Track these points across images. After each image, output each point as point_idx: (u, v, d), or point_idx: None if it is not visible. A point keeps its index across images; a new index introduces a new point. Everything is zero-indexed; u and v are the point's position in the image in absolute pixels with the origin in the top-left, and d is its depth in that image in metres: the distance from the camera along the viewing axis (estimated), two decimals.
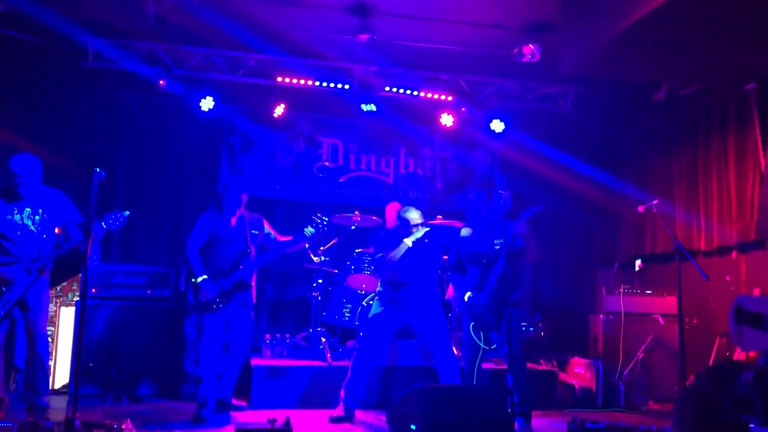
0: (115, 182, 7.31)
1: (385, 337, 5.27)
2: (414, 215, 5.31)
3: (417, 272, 5.28)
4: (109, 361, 5.76)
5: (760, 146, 5.97)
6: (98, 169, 4.30)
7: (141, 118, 7.51)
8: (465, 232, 5.29)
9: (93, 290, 5.93)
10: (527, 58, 6.44)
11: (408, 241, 5.18)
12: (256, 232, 5.29)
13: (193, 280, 5.05)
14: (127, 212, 4.65)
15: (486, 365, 5.71)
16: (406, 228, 5.26)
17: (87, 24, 6.27)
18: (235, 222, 5.25)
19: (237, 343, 5.17)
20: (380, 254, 5.31)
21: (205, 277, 5.01)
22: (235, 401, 5.42)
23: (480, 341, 4.94)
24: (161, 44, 6.86)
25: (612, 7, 5.37)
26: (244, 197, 5.32)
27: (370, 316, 5.34)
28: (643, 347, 6.51)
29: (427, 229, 5.23)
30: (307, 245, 6.63)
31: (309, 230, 5.25)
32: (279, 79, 7.16)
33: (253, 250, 5.26)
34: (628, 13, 5.13)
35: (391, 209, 7.42)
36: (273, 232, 5.50)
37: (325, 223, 5.26)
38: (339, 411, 5.17)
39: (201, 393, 5.03)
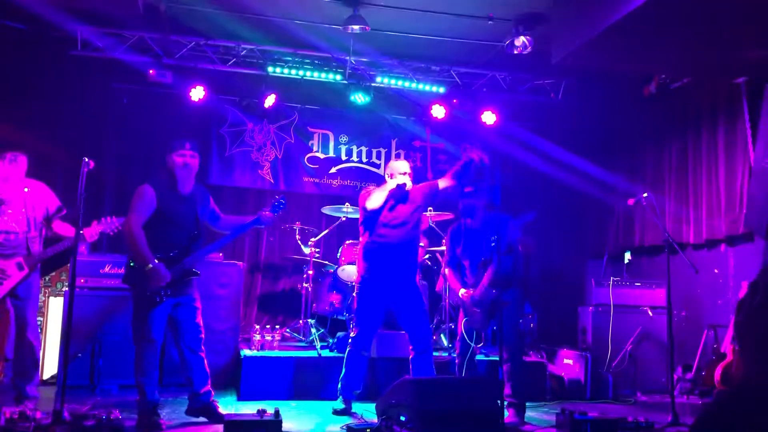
0: (104, 171, 7.26)
1: (376, 327, 5.23)
2: (399, 165, 5.27)
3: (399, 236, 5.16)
4: (98, 352, 5.73)
5: (749, 140, 6.00)
6: (86, 159, 4.27)
7: (130, 107, 7.47)
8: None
9: (81, 281, 5.88)
10: (519, 50, 6.44)
11: (391, 182, 5.11)
12: (204, 209, 4.61)
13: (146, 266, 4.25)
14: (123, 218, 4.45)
15: (479, 358, 5.74)
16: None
17: (76, 12, 6.23)
18: (183, 201, 4.51)
19: (189, 332, 4.49)
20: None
21: (156, 263, 4.25)
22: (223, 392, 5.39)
23: (471, 341, 4.94)
24: (151, 33, 6.82)
25: (603, 0, 5.37)
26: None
27: (360, 305, 5.20)
28: (631, 339, 6.55)
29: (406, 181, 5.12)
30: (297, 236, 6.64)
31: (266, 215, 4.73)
32: (270, 69, 7.13)
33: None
34: (619, 6, 5.12)
35: None
36: (216, 210, 4.82)
37: (282, 203, 4.83)
38: (339, 403, 5.10)
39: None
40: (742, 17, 4.99)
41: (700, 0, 4.80)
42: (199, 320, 4.54)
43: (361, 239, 5.26)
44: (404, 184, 5.09)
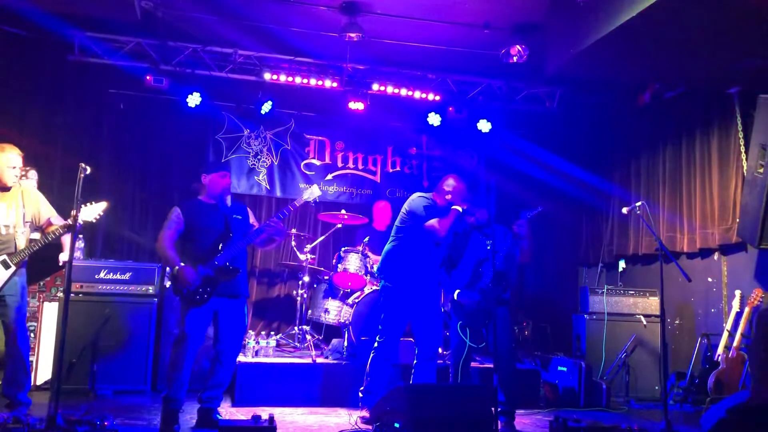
0: (101, 176, 7.25)
1: (401, 334, 5.13)
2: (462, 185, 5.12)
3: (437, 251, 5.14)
4: (92, 357, 5.73)
5: (742, 150, 6.05)
6: (83, 165, 4.28)
7: (127, 112, 7.49)
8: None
9: (77, 286, 5.89)
10: (514, 59, 6.47)
11: (458, 208, 5.00)
12: (239, 217, 4.81)
13: (170, 269, 4.66)
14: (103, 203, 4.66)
15: (473, 365, 5.75)
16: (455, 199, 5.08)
17: (73, 18, 6.24)
18: (213, 210, 4.74)
19: (227, 341, 4.66)
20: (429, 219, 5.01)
21: (183, 263, 4.51)
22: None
23: (467, 339, 4.94)
24: (148, 39, 6.84)
25: (598, 10, 5.41)
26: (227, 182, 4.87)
27: (388, 312, 5.08)
28: (625, 347, 6.58)
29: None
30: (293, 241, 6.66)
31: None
32: (267, 76, 7.15)
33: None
34: (614, 16, 5.17)
35: (378, 208, 7.46)
36: (256, 224, 5.03)
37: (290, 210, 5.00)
38: (365, 413, 4.97)
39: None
40: (734, 28, 5.04)
41: (692, 11, 4.85)
42: (237, 327, 4.72)
43: (392, 245, 5.17)
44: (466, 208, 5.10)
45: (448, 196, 5.09)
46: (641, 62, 5.97)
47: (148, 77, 6.93)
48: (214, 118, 7.79)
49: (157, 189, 7.61)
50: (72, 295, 5.76)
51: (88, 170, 4.29)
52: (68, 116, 7.19)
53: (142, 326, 5.99)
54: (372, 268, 6.49)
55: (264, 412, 4.20)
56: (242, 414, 5.08)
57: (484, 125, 7.76)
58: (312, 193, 4.96)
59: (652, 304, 6.81)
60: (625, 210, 5.41)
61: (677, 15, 4.89)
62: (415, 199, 5.16)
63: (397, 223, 5.20)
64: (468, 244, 5.13)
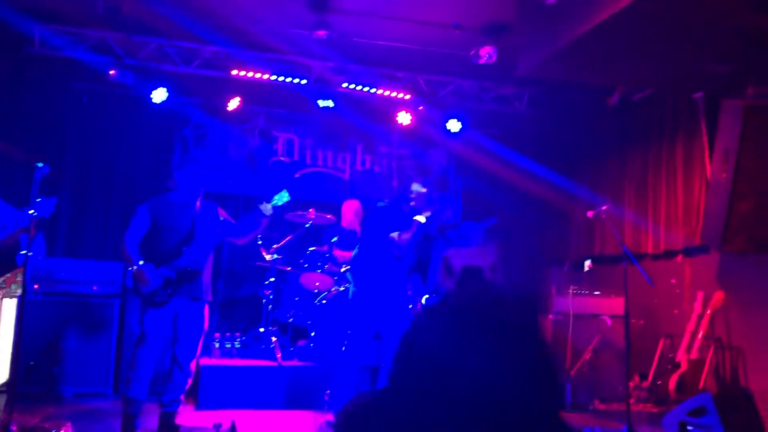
0: (64, 173, 7.11)
1: (369, 337, 5.10)
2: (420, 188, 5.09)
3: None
4: (52, 360, 5.60)
5: (706, 154, 6.12)
6: (41, 164, 4.17)
7: (91, 107, 7.32)
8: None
9: (36, 286, 5.75)
10: (484, 60, 6.46)
11: (421, 218, 4.95)
12: (207, 218, 4.72)
13: (131, 268, 4.48)
14: (55, 198, 4.52)
15: None
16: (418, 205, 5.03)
17: (33, 11, 6.07)
18: (180, 209, 4.66)
19: (185, 344, 4.58)
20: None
21: (143, 262, 4.44)
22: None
23: None
24: (112, 33, 6.67)
25: (568, 14, 5.42)
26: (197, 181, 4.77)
27: (354, 316, 5.06)
28: (590, 347, 6.64)
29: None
30: (259, 241, 6.57)
31: (267, 206, 4.77)
32: (234, 72, 7.04)
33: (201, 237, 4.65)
34: (583, 20, 5.18)
35: (347, 207, 7.39)
36: (229, 220, 4.99)
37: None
38: (332, 416, 4.92)
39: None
40: (699, 34, 5.10)
41: (660, 16, 4.88)
42: (195, 331, 4.63)
43: (357, 251, 5.18)
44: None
45: (413, 203, 5.08)
46: (609, 66, 6.01)
47: (111, 71, 6.78)
48: (180, 113, 7.65)
49: (121, 185, 7.45)
50: (32, 294, 5.66)
51: (47, 170, 4.19)
52: (29, 110, 6.99)
53: (105, 326, 5.88)
54: (340, 268, 6.44)
55: (226, 419, 4.15)
56: (205, 418, 5.01)
57: (454, 125, 7.76)
58: (282, 197, 4.86)
59: (616, 304, 6.87)
60: (590, 214, 5.44)
61: (644, 20, 4.92)
62: (378, 209, 5.16)
63: (361, 229, 5.20)
64: (433, 249, 5.12)
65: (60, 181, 6.96)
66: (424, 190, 5.11)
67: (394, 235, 4.94)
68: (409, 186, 5.15)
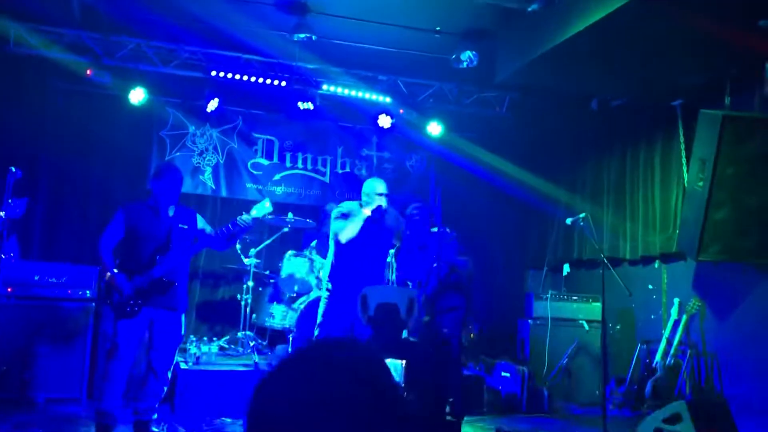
0: (39, 173, 6.99)
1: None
2: (378, 185, 5.18)
3: (371, 254, 5.16)
4: (24, 365, 5.49)
5: (684, 161, 6.18)
6: (14, 169, 4.11)
7: (67, 107, 7.19)
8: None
9: (9, 289, 5.64)
10: (464, 65, 6.46)
11: (366, 210, 5.03)
12: (185, 227, 4.59)
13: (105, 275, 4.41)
14: (26, 198, 4.44)
15: None
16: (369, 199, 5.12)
17: (9, 11, 5.96)
18: (156, 217, 4.54)
19: (161, 352, 4.48)
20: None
21: (116, 271, 4.36)
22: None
23: None
24: (89, 33, 6.58)
25: (547, 22, 5.45)
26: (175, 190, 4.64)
27: (326, 320, 5.15)
28: (567, 352, 6.68)
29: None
30: (238, 245, 6.52)
31: (245, 217, 4.56)
32: (213, 73, 6.96)
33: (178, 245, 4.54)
34: (561, 29, 5.21)
35: (327, 210, 7.36)
36: (206, 230, 4.85)
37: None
38: None
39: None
40: (677, 44, 5.15)
41: (638, 26, 4.92)
42: (172, 340, 4.54)
43: (331, 257, 5.26)
44: (380, 206, 5.08)
45: (365, 198, 5.21)
46: (588, 73, 6.05)
47: (88, 71, 6.68)
48: (158, 114, 7.55)
49: (98, 186, 7.33)
50: (5, 298, 5.56)
51: (19, 174, 4.12)
52: (3, 110, 6.86)
53: (79, 331, 5.78)
54: (319, 273, 6.41)
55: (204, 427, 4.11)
56: (181, 426, 4.95)
57: (434, 128, 7.75)
58: (263, 208, 4.63)
59: (594, 309, 6.92)
60: (569, 221, 5.47)
61: (623, 31, 4.96)
62: (333, 212, 5.28)
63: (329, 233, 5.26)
64: (415, 261, 5.13)
65: (36, 181, 6.86)
66: (373, 185, 5.25)
67: (340, 227, 5.03)
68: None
